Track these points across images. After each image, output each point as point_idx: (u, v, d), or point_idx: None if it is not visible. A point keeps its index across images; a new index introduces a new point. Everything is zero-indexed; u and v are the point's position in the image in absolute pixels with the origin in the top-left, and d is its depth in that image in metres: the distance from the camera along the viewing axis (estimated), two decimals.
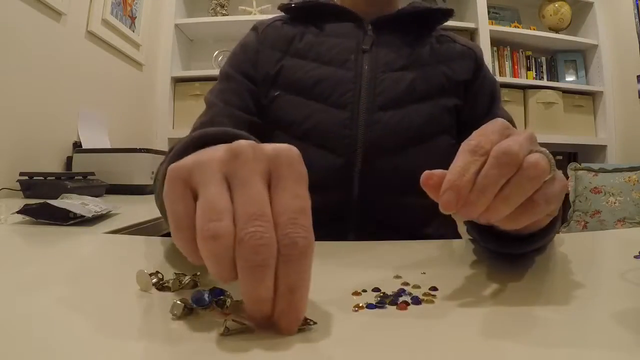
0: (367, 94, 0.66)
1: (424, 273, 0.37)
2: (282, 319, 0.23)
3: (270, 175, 0.25)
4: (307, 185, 0.25)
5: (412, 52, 0.70)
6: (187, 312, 0.26)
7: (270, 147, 0.26)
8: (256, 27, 0.75)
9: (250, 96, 0.69)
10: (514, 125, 0.72)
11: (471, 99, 0.71)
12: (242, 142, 0.25)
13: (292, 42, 0.72)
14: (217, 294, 0.29)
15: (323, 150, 0.65)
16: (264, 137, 0.69)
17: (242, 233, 0.22)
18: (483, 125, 0.32)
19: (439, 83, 0.69)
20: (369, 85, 0.67)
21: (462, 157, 0.29)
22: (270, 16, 0.79)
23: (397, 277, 0.36)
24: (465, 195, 0.28)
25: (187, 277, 0.33)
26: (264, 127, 0.70)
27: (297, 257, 0.23)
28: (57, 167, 1.49)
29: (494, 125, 0.32)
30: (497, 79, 0.76)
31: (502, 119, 0.33)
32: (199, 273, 0.34)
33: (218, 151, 0.25)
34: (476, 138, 0.30)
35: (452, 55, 0.72)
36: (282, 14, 0.77)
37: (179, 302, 0.26)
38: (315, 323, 0.25)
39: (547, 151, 0.31)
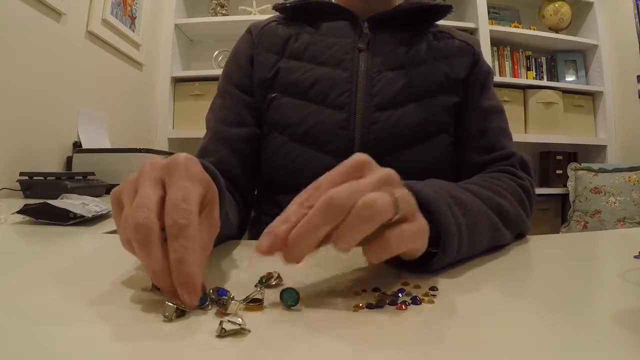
0: (364, 94, 0.66)
1: (424, 273, 0.37)
2: (179, 288, 0.27)
3: (164, 179, 0.31)
4: (194, 178, 0.31)
5: (409, 50, 0.69)
6: (179, 313, 0.26)
7: (166, 159, 0.33)
8: (250, 31, 0.75)
9: (246, 108, 0.70)
10: (502, 114, 0.71)
11: (464, 92, 0.70)
12: (146, 161, 0.33)
13: (287, 43, 0.71)
14: (220, 294, 0.29)
15: (320, 152, 0.65)
16: (263, 142, 0.70)
17: (127, 218, 0.29)
18: (329, 172, 0.31)
19: (437, 81, 0.68)
20: (365, 86, 0.66)
21: (288, 208, 0.30)
22: (267, 16, 0.79)
23: (397, 277, 0.36)
24: (282, 241, 0.28)
25: None
26: (263, 129, 0.70)
27: (178, 234, 0.28)
28: (57, 167, 1.49)
29: (339, 170, 0.31)
30: (492, 69, 0.75)
31: (361, 155, 0.32)
32: None
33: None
34: (308, 190, 0.31)
35: (450, 52, 0.71)
36: (277, 14, 0.77)
37: (170, 303, 0.26)
38: (249, 331, 0.24)
39: (403, 193, 0.31)
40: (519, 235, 0.53)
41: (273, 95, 0.69)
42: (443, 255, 0.36)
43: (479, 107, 0.70)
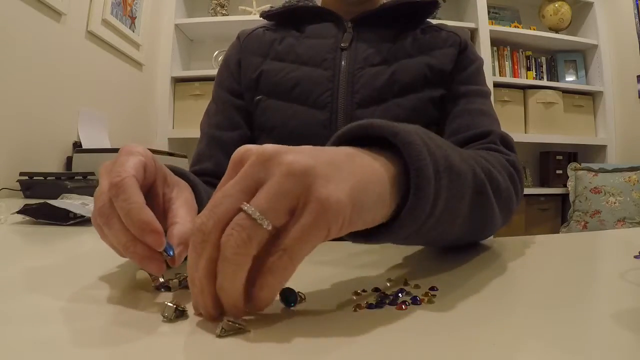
0: (345, 92, 0.66)
1: (424, 273, 0.37)
2: (143, 238, 0.28)
3: None
4: (132, 153, 0.33)
5: (393, 45, 0.69)
6: (179, 314, 0.26)
7: None
8: (239, 37, 0.76)
9: (237, 111, 0.71)
10: (484, 97, 0.67)
11: (450, 82, 0.68)
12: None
13: (271, 46, 0.72)
14: None
15: None
16: (253, 143, 0.70)
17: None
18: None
19: (421, 74, 0.67)
20: (347, 83, 0.66)
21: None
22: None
23: (398, 277, 0.36)
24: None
25: (182, 277, 0.32)
26: (253, 133, 0.71)
27: (117, 192, 0.29)
28: (57, 167, 1.48)
29: (226, 177, 0.26)
30: (481, 59, 0.72)
31: (237, 151, 0.27)
32: None
33: None
34: (204, 214, 0.25)
35: (436, 44, 0.69)
36: (266, 21, 0.77)
37: (170, 304, 0.26)
38: (249, 331, 0.24)
39: (265, 192, 0.24)
40: (504, 219, 0.46)
41: (258, 97, 0.69)
42: (416, 207, 0.28)
43: (457, 91, 0.67)
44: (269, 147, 0.25)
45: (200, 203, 0.39)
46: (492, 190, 0.40)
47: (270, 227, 0.23)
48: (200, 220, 0.24)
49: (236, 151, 0.27)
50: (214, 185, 0.66)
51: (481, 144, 0.59)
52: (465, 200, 0.35)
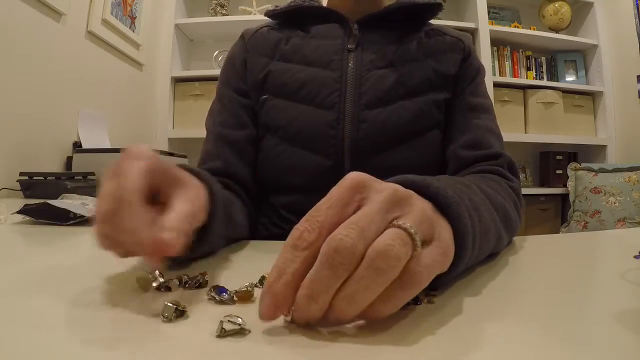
0: (353, 93, 0.66)
1: None
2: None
3: None
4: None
5: (399, 48, 0.69)
6: (179, 314, 0.26)
7: None
8: (243, 36, 0.76)
9: (244, 110, 0.71)
10: (490, 114, 0.69)
11: (454, 87, 0.69)
12: None
13: (277, 46, 0.72)
14: (220, 291, 0.29)
15: (311, 152, 0.65)
16: (258, 144, 0.70)
17: None
18: (324, 199, 0.26)
19: (426, 78, 0.68)
20: (354, 85, 0.66)
21: (282, 253, 0.25)
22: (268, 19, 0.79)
23: None
24: (285, 301, 0.24)
25: (187, 278, 0.33)
26: (258, 132, 0.70)
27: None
28: (57, 167, 1.49)
29: (335, 193, 0.26)
30: (483, 67, 0.73)
31: (356, 175, 0.27)
32: (201, 272, 0.34)
33: None
34: (302, 225, 0.25)
35: (441, 49, 0.71)
36: (270, 20, 0.77)
37: (169, 304, 0.26)
38: (249, 331, 0.24)
39: (416, 213, 0.26)
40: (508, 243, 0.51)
41: (264, 97, 0.69)
42: (455, 268, 0.30)
43: (466, 102, 0.69)
44: (397, 189, 0.27)
45: (214, 202, 0.38)
46: (505, 230, 0.44)
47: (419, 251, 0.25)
48: (348, 242, 0.23)
49: (353, 177, 0.26)
50: (224, 184, 0.66)
51: (489, 164, 0.62)
52: (486, 252, 0.40)
